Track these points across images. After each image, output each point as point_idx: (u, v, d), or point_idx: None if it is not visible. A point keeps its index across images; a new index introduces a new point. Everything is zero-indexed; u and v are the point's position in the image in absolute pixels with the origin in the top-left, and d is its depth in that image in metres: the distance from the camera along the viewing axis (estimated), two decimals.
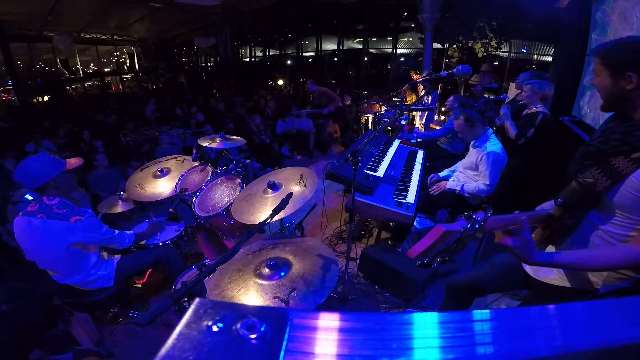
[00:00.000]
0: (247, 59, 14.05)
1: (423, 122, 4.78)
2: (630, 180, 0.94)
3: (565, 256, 1.01)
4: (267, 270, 1.52)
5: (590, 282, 1.09)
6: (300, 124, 6.21)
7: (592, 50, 1.02)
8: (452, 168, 2.84)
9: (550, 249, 1.20)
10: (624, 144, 0.97)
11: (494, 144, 2.46)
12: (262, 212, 1.86)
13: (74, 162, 1.97)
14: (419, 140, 3.94)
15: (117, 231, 2.04)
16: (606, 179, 0.99)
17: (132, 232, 2.17)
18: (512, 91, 4.00)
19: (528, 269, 1.31)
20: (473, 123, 2.48)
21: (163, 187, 2.60)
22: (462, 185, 2.52)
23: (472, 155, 2.60)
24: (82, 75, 14.90)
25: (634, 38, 0.95)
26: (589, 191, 1.02)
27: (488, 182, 2.43)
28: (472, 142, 2.60)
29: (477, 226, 0.89)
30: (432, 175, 2.82)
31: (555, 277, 1.19)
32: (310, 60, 12.79)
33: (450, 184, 2.56)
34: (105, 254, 2.13)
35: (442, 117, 7.04)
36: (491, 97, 4.12)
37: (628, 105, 0.98)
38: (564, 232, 1.14)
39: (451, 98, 3.88)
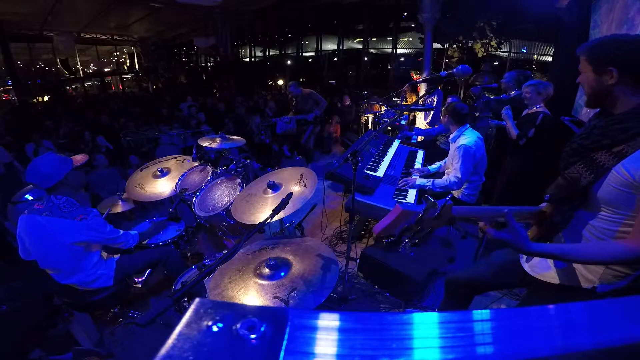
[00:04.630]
0: (247, 59, 14.05)
1: (428, 121, 4.75)
2: (612, 174, 0.97)
3: (559, 246, 1.03)
4: (267, 270, 1.52)
5: (587, 279, 1.10)
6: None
7: (578, 48, 1.06)
8: (440, 162, 2.86)
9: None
10: (605, 137, 1.00)
11: (466, 137, 2.46)
12: (262, 212, 1.86)
13: (79, 158, 1.97)
14: (419, 139, 3.95)
15: (121, 231, 2.04)
16: (589, 173, 1.02)
17: (136, 232, 2.18)
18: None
19: (526, 266, 1.31)
20: (444, 114, 2.55)
21: (163, 187, 2.60)
22: (433, 181, 2.52)
23: (451, 150, 2.62)
24: (82, 75, 14.92)
25: (617, 36, 1.00)
26: (573, 186, 1.05)
27: (459, 175, 2.43)
28: (449, 138, 2.62)
29: (437, 211, 0.93)
30: (416, 168, 2.84)
31: (552, 274, 1.19)
32: (310, 60, 12.80)
33: (421, 180, 2.55)
34: (104, 254, 2.13)
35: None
36: (491, 96, 4.12)
37: (610, 100, 1.02)
38: (556, 229, 1.16)
39: (449, 99, 3.91)
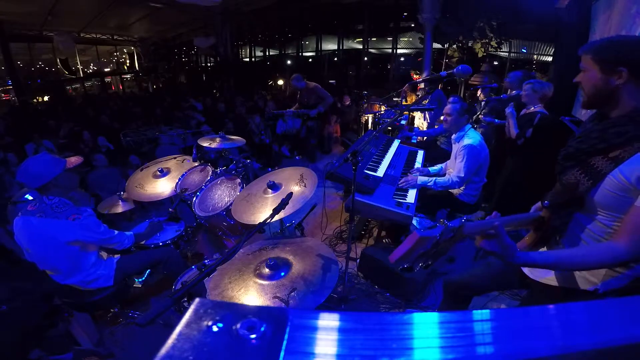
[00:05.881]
0: (247, 59, 14.04)
1: (429, 121, 4.72)
2: (609, 179, 0.97)
3: (546, 256, 1.02)
4: (267, 270, 1.52)
5: (588, 281, 1.10)
6: (299, 123, 6.14)
7: (582, 47, 1.05)
8: (441, 165, 2.86)
9: (543, 250, 1.20)
10: (601, 141, 1.00)
11: (471, 137, 2.46)
12: (262, 212, 1.86)
13: (74, 160, 1.97)
14: (419, 139, 3.94)
15: (116, 231, 2.04)
16: (587, 179, 1.01)
17: (131, 233, 2.18)
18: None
19: (525, 269, 1.31)
20: (462, 114, 2.50)
21: (163, 187, 2.60)
22: (435, 180, 2.52)
23: (453, 150, 2.61)
24: (82, 75, 14.88)
25: (626, 36, 1.01)
26: (571, 192, 1.05)
27: (462, 174, 2.43)
28: (453, 138, 2.62)
29: (451, 232, 0.92)
30: (416, 168, 2.84)
31: (552, 277, 1.19)
32: (310, 60, 12.78)
33: (422, 179, 2.55)
34: (104, 254, 2.13)
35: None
36: (491, 96, 4.10)
37: (611, 101, 1.01)
38: (554, 234, 1.15)
39: (451, 98, 3.88)
